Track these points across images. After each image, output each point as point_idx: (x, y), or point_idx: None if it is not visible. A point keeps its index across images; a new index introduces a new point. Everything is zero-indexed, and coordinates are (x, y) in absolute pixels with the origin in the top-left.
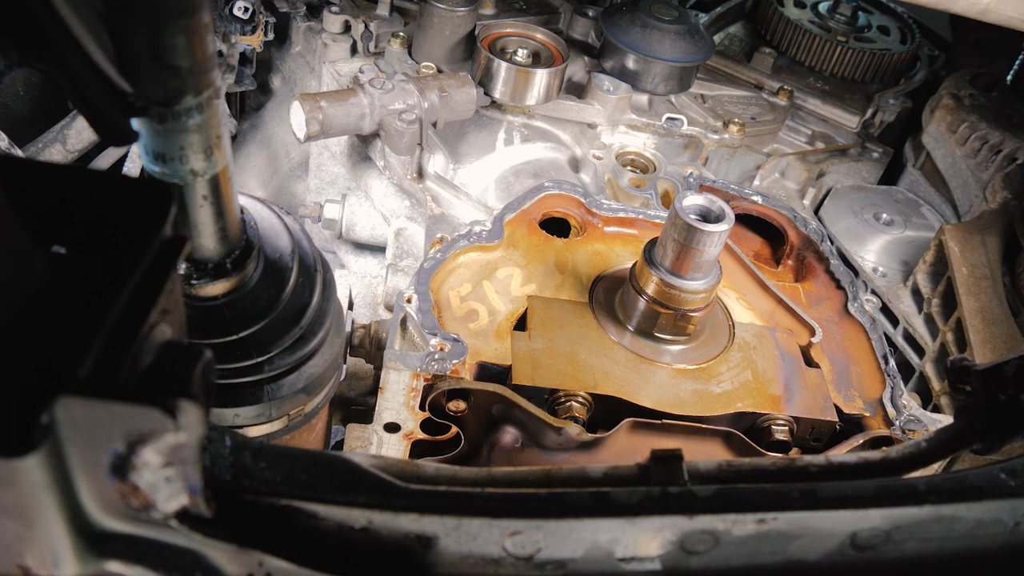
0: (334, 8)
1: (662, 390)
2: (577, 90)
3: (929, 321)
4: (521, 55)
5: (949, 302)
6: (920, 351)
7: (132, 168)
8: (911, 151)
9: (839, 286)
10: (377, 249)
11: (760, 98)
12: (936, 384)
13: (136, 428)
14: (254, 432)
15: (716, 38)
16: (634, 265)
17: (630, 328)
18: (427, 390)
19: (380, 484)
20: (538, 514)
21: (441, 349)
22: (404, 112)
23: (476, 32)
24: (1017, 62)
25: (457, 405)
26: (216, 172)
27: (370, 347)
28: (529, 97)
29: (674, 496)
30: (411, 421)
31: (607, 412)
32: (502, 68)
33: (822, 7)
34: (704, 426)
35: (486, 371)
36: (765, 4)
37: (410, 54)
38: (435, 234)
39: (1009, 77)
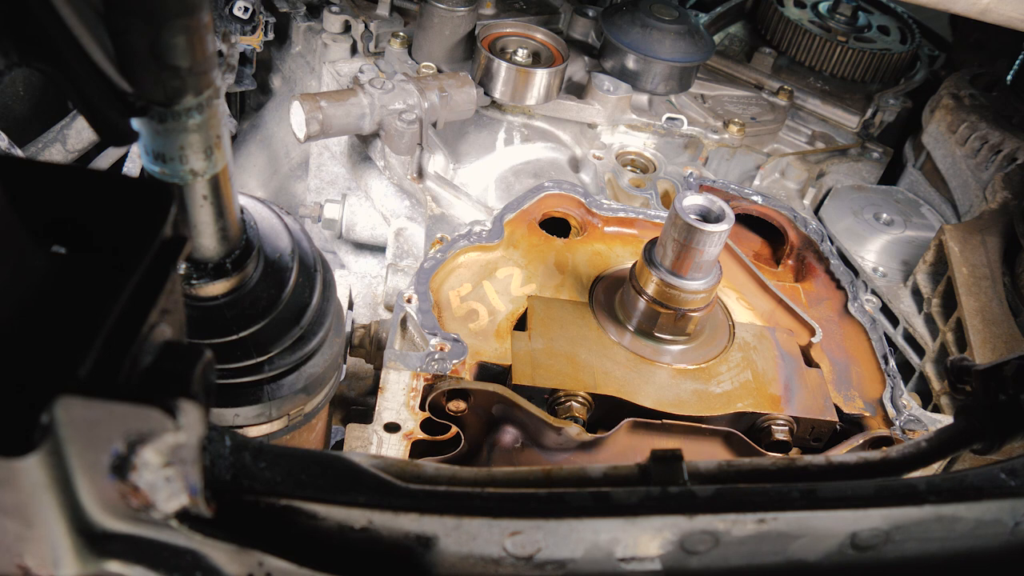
0: (334, 8)
1: (662, 390)
2: (577, 90)
3: (929, 321)
4: (521, 55)
5: (949, 302)
6: (920, 351)
7: (132, 168)
8: (911, 151)
9: (839, 286)
10: (377, 249)
11: (760, 98)
12: (936, 384)
13: (136, 428)
14: (254, 432)
15: (716, 38)
16: (634, 265)
17: (630, 328)
18: (427, 390)
19: (380, 484)
20: (538, 514)
21: (441, 349)
22: (404, 112)
23: (476, 32)
24: (1017, 62)
25: (457, 405)
26: (216, 172)
27: (370, 347)
28: (529, 97)
29: (674, 496)
30: (411, 421)
31: (607, 412)
32: (502, 68)
33: (822, 7)
34: (704, 426)
35: (486, 371)
36: (765, 4)
37: (410, 54)
38: (435, 234)
39: (1009, 77)
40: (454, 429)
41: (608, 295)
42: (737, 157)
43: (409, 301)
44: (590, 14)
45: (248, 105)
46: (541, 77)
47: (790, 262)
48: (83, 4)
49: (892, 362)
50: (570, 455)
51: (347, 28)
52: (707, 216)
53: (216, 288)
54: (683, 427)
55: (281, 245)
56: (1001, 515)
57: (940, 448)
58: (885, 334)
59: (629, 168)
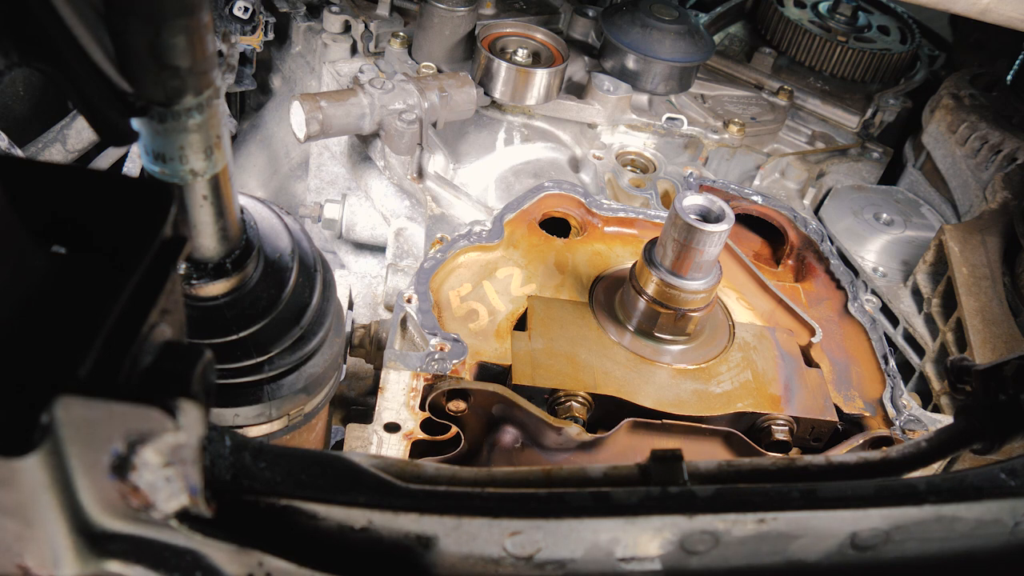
0: (334, 8)
1: (662, 390)
2: (577, 90)
3: (929, 321)
4: (521, 55)
5: (949, 302)
6: (920, 351)
7: (132, 168)
8: (911, 151)
9: (839, 286)
10: (377, 249)
11: (760, 98)
12: (936, 384)
13: (136, 428)
14: (254, 432)
15: (716, 38)
16: (634, 265)
17: (630, 328)
18: (427, 390)
19: (380, 484)
20: (538, 514)
21: (441, 349)
22: (404, 112)
23: (476, 32)
24: (1017, 62)
25: (457, 405)
26: (216, 172)
27: (370, 347)
28: (529, 97)
29: (674, 496)
30: (411, 421)
31: (607, 412)
32: (502, 68)
33: (822, 7)
34: (704, 426)
35: (486, 371)
36: (765, 4)
37: (410, 54)
38: (435, 234)
39: (1009, 77)
40: (454, 429)
41: (608, 295)
42: (737, 157)
43: (409, 301)
44: (590, 14)
45: (248, 105)
46: (541, 77)
47: (790, 262)
48: (83, 4)
49: (892, 362)
50: (570, 455)
51: (347, 28)
52: (707, 216)
53: (216, 288)
54: (683, 427)
55: (281, 245)
56: (1001, 515)
57: (940, 448)
58: (885, 334)
59: (629, 168)
